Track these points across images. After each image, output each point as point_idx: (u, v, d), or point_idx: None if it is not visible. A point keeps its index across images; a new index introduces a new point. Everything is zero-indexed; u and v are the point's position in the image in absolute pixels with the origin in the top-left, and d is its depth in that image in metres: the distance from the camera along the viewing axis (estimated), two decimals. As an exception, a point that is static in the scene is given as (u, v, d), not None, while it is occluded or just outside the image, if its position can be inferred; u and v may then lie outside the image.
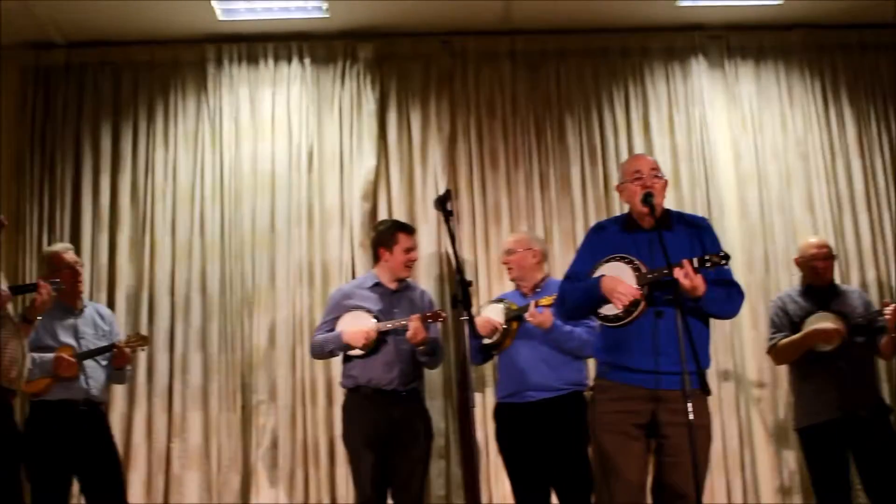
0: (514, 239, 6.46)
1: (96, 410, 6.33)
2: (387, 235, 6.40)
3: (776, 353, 6.42)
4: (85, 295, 6.70)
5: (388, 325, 6.15)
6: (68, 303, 6.41)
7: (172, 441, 7.32)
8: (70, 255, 6.42)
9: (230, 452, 7.28)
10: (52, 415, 6.17)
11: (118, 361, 6.33)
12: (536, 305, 5.94)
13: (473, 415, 5.05)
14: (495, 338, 6.18)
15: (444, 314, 6.19)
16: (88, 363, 6.26)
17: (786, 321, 6.35)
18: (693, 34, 7.95)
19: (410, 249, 6.38)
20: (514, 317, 6.11)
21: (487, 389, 7.26)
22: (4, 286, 5.37)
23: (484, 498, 7.13)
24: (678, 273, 4.57)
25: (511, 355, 6.15)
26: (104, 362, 6.38)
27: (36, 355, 6.07)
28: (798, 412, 6.45)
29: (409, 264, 6.41)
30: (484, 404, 7.23)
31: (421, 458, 6.17)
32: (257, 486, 7.28)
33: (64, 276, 6.20)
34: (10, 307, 5.47)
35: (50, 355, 6.12)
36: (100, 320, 6.53)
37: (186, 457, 7.29)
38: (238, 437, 7.32)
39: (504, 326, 6.14)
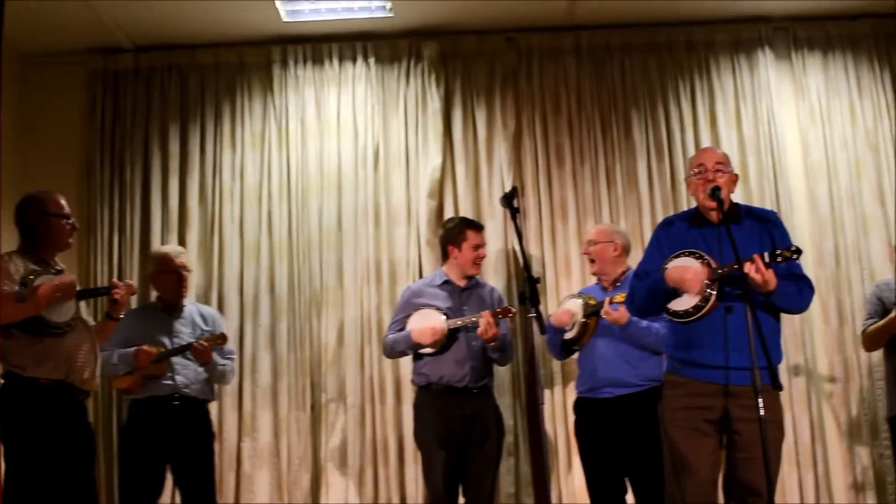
0: (596, 230, 6.51)
1: (191, 406, 6.41)
2: (455, 232, 6.46)
3: (865, 339, 6.35)
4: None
5: (459, 322, 6.20)
6: (167, 303, 6.58)
7: (243, 440, 7.39)
8: (179, 260, 6.58)
9: (300, 451, 7.34)
10: (145, 411, 6.35)
11: (199, 357, 6.38)
12: (611, 303, 5.94)
13: (542, 412, 5.11)
14: (574, 331, 6.17)
15: (513, 310, 6.22)
16: (178, 360, 6.36)
17: (879, 308, 6.25)
18: (758, 26, 7.86)
19: (479, 246, 6.43)
20: (593, 312, 6.11)
21: (556, 387, 7.25)
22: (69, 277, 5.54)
23: (553, 496, 7.13)
24: (748, 268, 4.57)
25: (589, 351, 6.16)
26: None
27: (120, 350, 6.27)
28: (889, 400, 6.37)
29: (478, 261, 6.46)
30: (552, 401, 7.26)
31: (492, 456, 6.21)
32: (327, 484, 7.33)
33: (169, 279, 6.49)
34: (84, 308, 5.62)
35: (132, 349, 6.27)
36: (200, 320, 6.63)
37: (257, 455, 7.36)
38: (308, 435, 7.38)
39: (583, 320, 6.12)
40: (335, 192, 7.72)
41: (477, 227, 6.54)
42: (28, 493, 5.02)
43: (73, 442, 5.31)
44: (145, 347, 6.26)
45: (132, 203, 7.75)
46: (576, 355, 6.37)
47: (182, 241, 7.62)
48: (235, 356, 6.89)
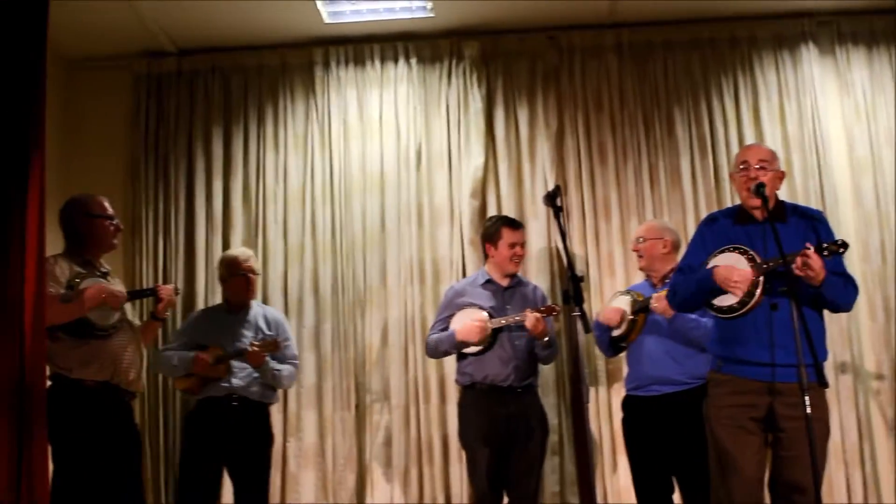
0: (645, 227, 6.53)
1: (249, 408, 6.47)
2: (492, 231, 6.51)
3: None
4: (218, 297, 7.05)
5: (502, 322, 6.22)
6: (233, 306, 6.69)
7: (288, 440, 7.43)
8: (247, 263, 6.67)
9: (345, 451, 7.38)
10: (203, 412, 6.49)
11: (251, 361, 6.41)
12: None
13: (587, 410, 5.13)
14: (623, 328, 6.19)
15: (557, 308, 6.23)
16: (235, 363, 6.45)
17: None
18: (802, 21, 7.79)
19: (515, 244, 6.44)
20: (641, 308, 6.13)
21: (601, 385, 7.28)
22: (121, 288, 5.63)
23: (599, 495, 7.12)
24: (799, 262, 4.55)
25: (637, 348, 6.19)
26: None
27: (181, 353, 6.42)
28: None
29: (515, 259, 6.46)
30: (597, 400, 7.25)
31: (536, 455, 6.22)
32: (372, 484, 7.37)
33: (237, 282, 6.60)
34: (129, 310, 5.71)
35: (190, 354, 6.40)
36: (263, 324, 6.70)
37: (302, 456, 7.41)
38: (352, 435, 7.41)
39: (631, 317, 6.16)
40: (378, 192, 7.75)
41: (513, 224, 6.54)
42: (75, 493, 5.12)
43: (120, 442, 5.41)
44: (202, 355, 6.38)
45: (176, 205, 7.82)
46: (624, 353, 6.41)
47: (226, 243, 7.69)
48: (298, 361, 6.92)
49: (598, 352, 6.86)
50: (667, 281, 6.14)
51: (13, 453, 4.49)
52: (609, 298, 6.62)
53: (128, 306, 5.72)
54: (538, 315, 6.08)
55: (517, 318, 6.17)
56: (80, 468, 5.18)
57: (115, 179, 7.82)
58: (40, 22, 4.96)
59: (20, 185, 4.76)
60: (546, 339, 6.16)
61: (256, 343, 6.44)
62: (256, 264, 6.82)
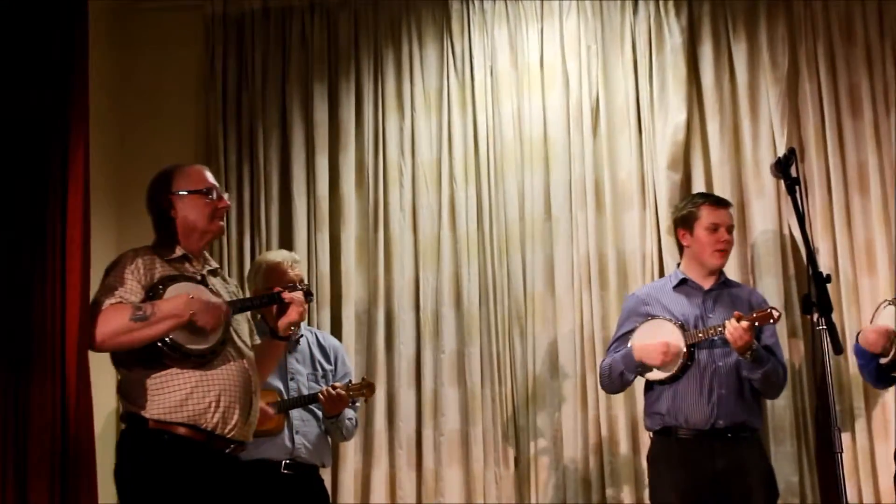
0: None
1: (305, 475, 6.04)
2: (685, 212, 6.05)
3: None
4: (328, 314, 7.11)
5: (700, 336, 5.72)
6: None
7: (424, 508, 7.15)
8: (295, 271, 6.22)
9: (502, 523, 7.11)
10: (249, 480, 5.67)
11: (332, 409, 6.03)
12: None
13: (841, 462, 4.67)
14: (894, 353, 5.48)
15: (775, 314, 5.66)
16: (296, 413, 6.05)
17: None
18: None
19: (718, 226, 5.92)
20: None
21: (859, 429, 6.57)
22: (232, 292, 5.31)
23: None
24: None
25: None
26: (319, 412, 6.15)
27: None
28: None
29: (719, 248, 5.93)
30: (854, 449, 6.52)
31: (758, 527, 5.77)
32: (542, 568, 7.09)
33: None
34: (243, 325, 5.25)
35: None
36: (319, 354, 6.28)
37: (447, 533, 7.17)
38: (511, 499, 6.94)
39: None
40: (541, 166, 7.26)
41: (716, 202, 6.03)
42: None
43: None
44: (263, 406, 5.66)
45: (267, 192, 7.47)
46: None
47: (335, 241, 7.39)
48: (360, 403, 6.51)
49: (854, 382, 6.42)
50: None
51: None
52: (877, 310, 5.82)
53: (242, 321, 5.13)
54: (744, 325, 5.47)
55: (719, 328, 5.63)
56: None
57: (185, 158, 6.90)
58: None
59: (59, 170, 4.75)
60: (747, 355, 5.58)
61: (347, 386, 6.04)
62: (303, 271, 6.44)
